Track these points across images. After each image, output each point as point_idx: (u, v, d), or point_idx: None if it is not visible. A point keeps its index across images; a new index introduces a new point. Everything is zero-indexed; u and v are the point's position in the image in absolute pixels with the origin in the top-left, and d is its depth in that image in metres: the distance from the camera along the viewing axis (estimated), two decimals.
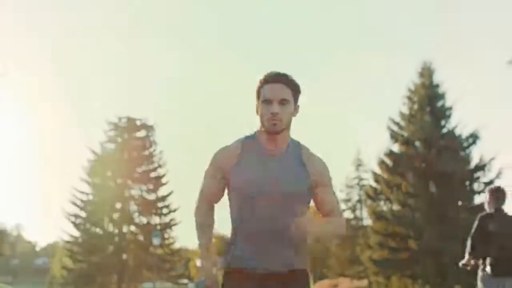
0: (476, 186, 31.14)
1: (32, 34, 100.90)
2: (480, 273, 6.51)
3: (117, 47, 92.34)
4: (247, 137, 3.29)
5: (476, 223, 6.58)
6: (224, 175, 3.24)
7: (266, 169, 3.17)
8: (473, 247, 6.49)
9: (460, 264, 6.67)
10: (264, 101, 3.17)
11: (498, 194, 6.57)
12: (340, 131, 78.67)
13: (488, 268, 6.35)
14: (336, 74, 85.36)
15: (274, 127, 3.14)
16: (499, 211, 6.54)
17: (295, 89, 3.21)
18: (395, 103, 34.55)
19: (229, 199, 3.29)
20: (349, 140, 76.75)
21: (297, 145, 3.29)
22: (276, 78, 3.19)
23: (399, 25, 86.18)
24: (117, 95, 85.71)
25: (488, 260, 6.38)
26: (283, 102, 3.15)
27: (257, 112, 3.26)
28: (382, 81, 76.28)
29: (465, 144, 31.42)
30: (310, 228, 3.08)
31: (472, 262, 6.50)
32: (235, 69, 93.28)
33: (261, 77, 3.26)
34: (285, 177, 3.16)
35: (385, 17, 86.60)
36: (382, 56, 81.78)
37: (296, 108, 3.25)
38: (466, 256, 6.55)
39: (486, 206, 6.71)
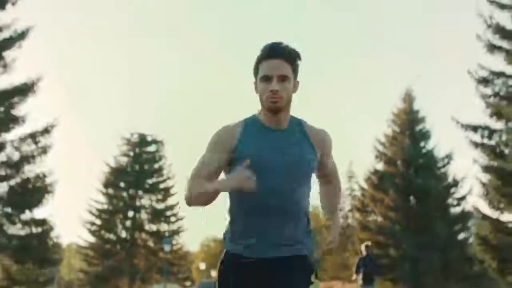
0: (450, 201, 36.58)
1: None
2: (360, 281, 12.51)
3: (119, 55, 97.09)
4: (248, 117, 3.26)
5: (357, 261, 13.03)
6: (225, 152, 3.13)
7: (270, 142, 3.12)
8: (357, 270, 12.63)
9: (353, 277, 13.09)
10: (262, 78, 3.10)
11: (368, 248, 13.10)
12: (334, 142, 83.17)
13: (360, 281, 12.47)
14: (332, 81, 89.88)
15: (275, 104, 3.08)
16: (368, 255, 12.91)
17: (295, 63, 3.15)
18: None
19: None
20: (342, 151, 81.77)
21: (298, 121, 3.26)
22: (275, 53, 3.11)
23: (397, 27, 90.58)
24: (123, 106, 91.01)
25: (360, 275, 12.42)
26: (282, 78, 3.08)
27: (256, 90, 3.19)
28: (378, 90, 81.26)
29: (440, 164, 36.81)
30: (337, 240, 3.43)
31: (355, 276, 12.56)
32: (236, 73, 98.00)
33: (259, 52, 3.16)
34: (290, 149, 3.13)
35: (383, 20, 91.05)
36: (378, 61, 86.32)
37: (295, 85, 3.18)
38: (354, 274, 12.75)
39: (363, 251, 12.85)
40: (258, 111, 3.25)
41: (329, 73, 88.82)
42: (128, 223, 44.39)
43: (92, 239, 44.41)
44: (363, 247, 13.61)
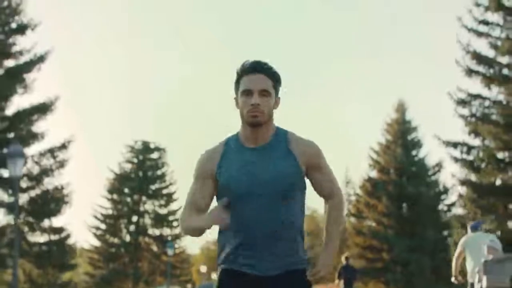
0: (440, 207, 39.13)
1: None
2: (342, 285, 15.12)
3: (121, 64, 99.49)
4: (230, 137, 3.25)
5: (338, 269, 15.60)
6: (209, 178, 3.19)
7: (249, 166, 3.12)
8: (338, 276, 15.30)
9: (336, 282, 15.75)
10: (243, 92, 3.11)
11: (347, 259, 16.08)
12: (331, 148, 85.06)
13: (342, 285, 15.08)
14: (328, 83, 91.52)
15: (256, 119, 3.08)
16: (348, 264, 15.80)
17: (276, 80, 3.15)
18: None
19: (217, 201, 3.21)
20: (340, 157, 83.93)
21: (283, 133, 3.21)
22: (256, 68, 3.12)
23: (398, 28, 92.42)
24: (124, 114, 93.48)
25: (342, 281, 15.03)
26: (263, 93, 3.09)
27: (236, 106, 3.20)
28: (376, 91, 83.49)
29: (431, 172, 39.35)
30: (325, 271, 3.14)
31: (337, 281, 15.21)
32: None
33: (239, 67, 3.17)
34: (269, 167, 3.10)
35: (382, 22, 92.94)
36: (376, 62, 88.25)
37: (277, 101, 3.18)
38: (337, 279, 15.42)
39: (343, 261, 15.88)
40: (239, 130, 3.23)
41: (327, 74, 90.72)
42: (132, 227, 46.54)
43: (97, 243, 46.70)
44: (343, 258, 16.48)
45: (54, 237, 25.95)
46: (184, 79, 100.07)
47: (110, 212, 46.65)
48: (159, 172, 48.22)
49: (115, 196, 46.97)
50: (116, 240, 46.49)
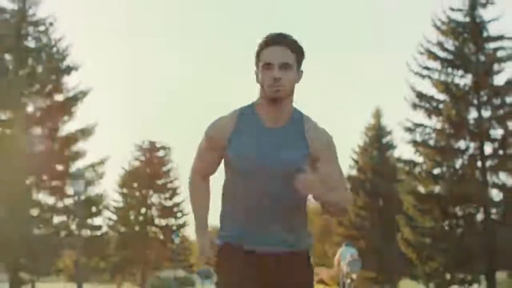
0: None
1: None
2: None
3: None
4: (244, 108, 3.31)
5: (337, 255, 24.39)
6: (217, 147, 3.29)
7: (263, 143, 3.19)
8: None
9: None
10: (264, 65, 3.14)
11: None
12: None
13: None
14: (321, 77, 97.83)
15: (277, 93, 3.11)
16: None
17: (299, 52, 3.21)
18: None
19: (225, 172, 3.36)
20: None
21: (300, 117, 3.28)
22: (278, 40, 3.16)
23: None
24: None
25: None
26: (285, 66, 3.13)
27: (256, 79, 3.24)
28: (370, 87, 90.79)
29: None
30: (313, 189, 3.09)
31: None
32: (237, 73, 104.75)
33: (261, 39, 3.20)
34: (283, 152, 3.18)
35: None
36: (374, 56, 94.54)
37: (299, 74, 3.22)
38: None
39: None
40: (254, 102, 3.28)
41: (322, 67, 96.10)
42: (141, 218, 52.66)
43: (110, 232, 54.52)
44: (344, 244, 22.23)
45: (94, 233, 35.51)
46: (184, 80, 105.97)
47: (121, 205, 52.38)
48: (164, 169, 53.82)
49: (125, 190, 52.84)
50: (126, 230, 52.60)
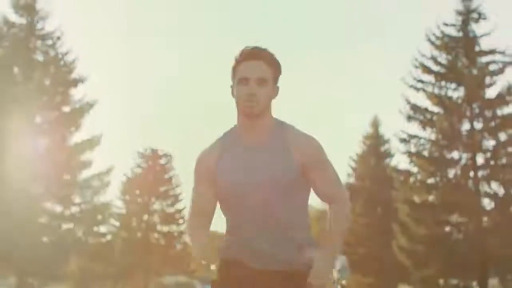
0: None
1: None
2: None
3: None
4: (227, 132, 3.33)
5: None
6: (210, 178, 3.27)
7: (247, 162, 3.20)
8: None
9: None
10: (239, 80, 3.13)
11: None
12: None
13: None
14: (319, 76, 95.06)
15: (251, 109, 3.13)
16: None
17: (275, 67, 3.18)
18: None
19: (219, 201, 3.33)
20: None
21: (280, 127, 3.26)
22: (253, 55, 3.13)
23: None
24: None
25: None
26: (261, 81, 3.12)
27: (232, 94, 3.22)
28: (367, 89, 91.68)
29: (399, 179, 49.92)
30: (326, 274, 3.19)
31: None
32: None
33: (236, 53, 3.17)
34: (268, 168, 3.17)
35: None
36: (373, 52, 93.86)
37: (275, 90, 3.21)
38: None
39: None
40: (238, 115, 3.24)
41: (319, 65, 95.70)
42: (143, 225, 54.25)
43: (113, 239, 56.00)
44: None
45: (100, 240, 37.08)
46: (185, 82, 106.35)
47: (123, 211, 53.98)
48: (166, 176, 55.52)
49: (127, 197, 54.37)
50: (129, 236, 53.76)
